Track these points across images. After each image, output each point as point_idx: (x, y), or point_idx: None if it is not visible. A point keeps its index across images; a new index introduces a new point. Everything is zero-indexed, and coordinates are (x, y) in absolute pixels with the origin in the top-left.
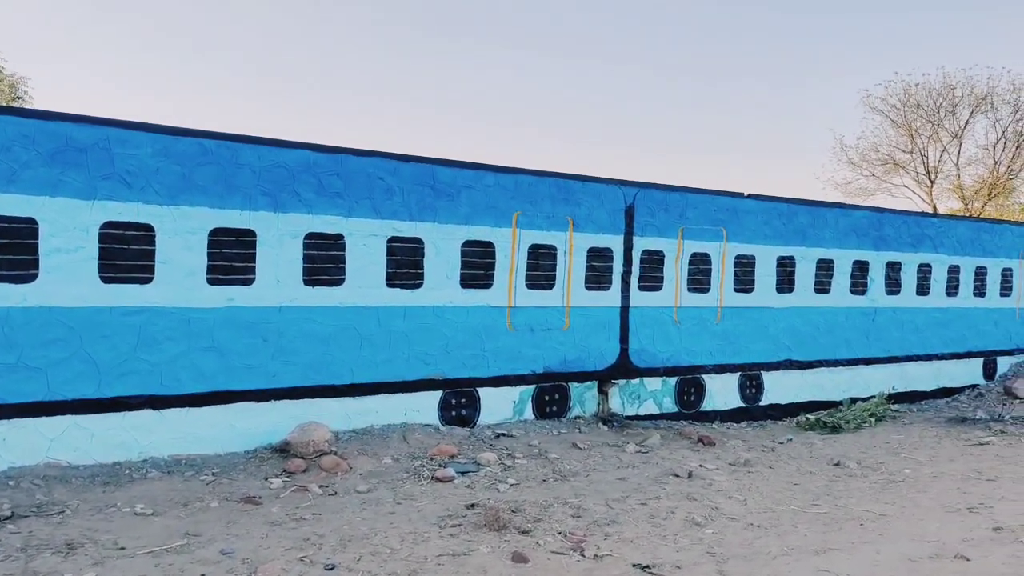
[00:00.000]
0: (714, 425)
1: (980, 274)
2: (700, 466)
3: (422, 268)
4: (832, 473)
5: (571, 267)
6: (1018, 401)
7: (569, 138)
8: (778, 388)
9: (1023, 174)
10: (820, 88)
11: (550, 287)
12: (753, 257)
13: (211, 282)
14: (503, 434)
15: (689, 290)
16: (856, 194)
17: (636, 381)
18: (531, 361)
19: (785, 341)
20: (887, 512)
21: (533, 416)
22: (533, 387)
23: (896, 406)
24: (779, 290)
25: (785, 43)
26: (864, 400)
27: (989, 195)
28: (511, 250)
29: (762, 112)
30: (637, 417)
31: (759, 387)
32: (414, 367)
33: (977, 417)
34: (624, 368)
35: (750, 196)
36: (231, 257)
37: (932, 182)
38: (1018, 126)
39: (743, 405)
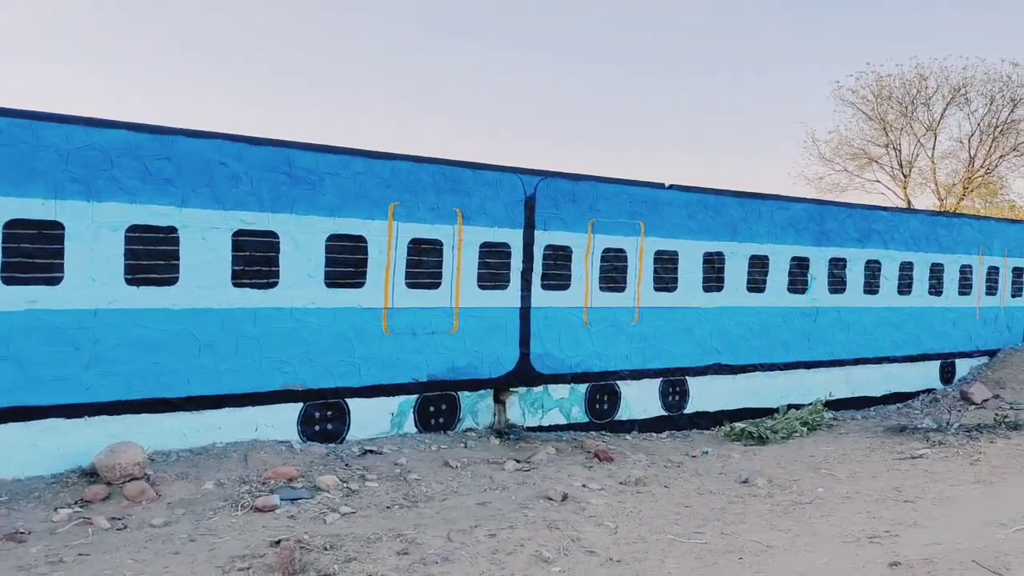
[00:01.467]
0: (629, 436)
1: (936, 271)
2: (583, 486)
3: (277, 265)
4: (734, 493)
5: (460, 264)
6: (974, 407)
7: (534, 135)
8: (705, 395)
9: (999, 169)
10: (791, 79)
11: (435, 286)
12: (676, 253)
13: (6, 281)
14: (371, 451)
15: (602, 289)
16: (828, 190)
17: (539, 389)
18: (413, 368)
19: (713, 344)
20: (775, 542)
21: (416, 429)
22: (415, 397)
23: (833, 414)
24: (706, 289)
25: (753, 31)
26: (805, 407)
27: (965, 190)
28: (387, 245)
29: (731, 105)
30: (540, 428)
31: (683, 394)
32: (268, 377)
33: (919, 426)
34: (525, 375)
35: (672, 187)
36: (32, 253)
37: (906, 177)
38: (994, 119)
39: (665, 413)
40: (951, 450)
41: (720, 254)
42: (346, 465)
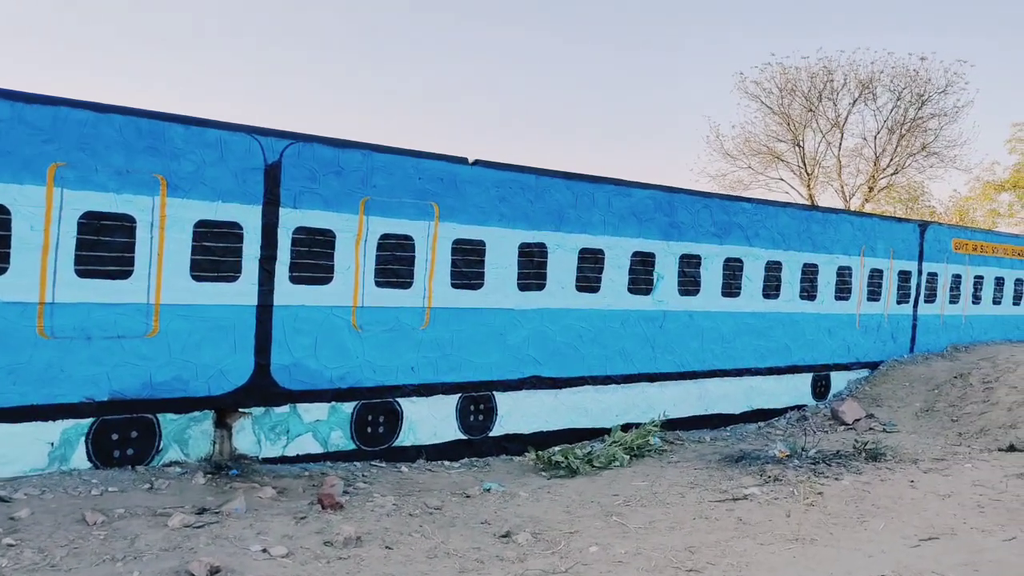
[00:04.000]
0: (406, 467)
1: (810, 273)
2: (264, 551)
3: None
4: (476, 556)
5: (163, 246)
6: (843, 427)
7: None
8: (519, 414)
9: (908, 170)
10: (697, 71)
11: (124, 275)
12: (482, 243)
13: None
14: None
15: (379, 284)
16: (731, 187)
17: (284, 409)
18: (85, 384)
19: (531, 353)
20: None
21: (91, 464)
22: (89, 422)
23: (663, 437)
24: (523, 287)
25: (656, 19)
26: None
27: (871, 191)
28: (44, 221)
29: (634, 96)
30: (285, 460)
31: (489, 413)
32: None
33: (762, 454)
34: (263, 391)
35: (478, 163)
36: None
37: (810, 175)
38: (901, 116)
39: (464, 437)
40: (786, 488)
41: (541, 246)
42: None
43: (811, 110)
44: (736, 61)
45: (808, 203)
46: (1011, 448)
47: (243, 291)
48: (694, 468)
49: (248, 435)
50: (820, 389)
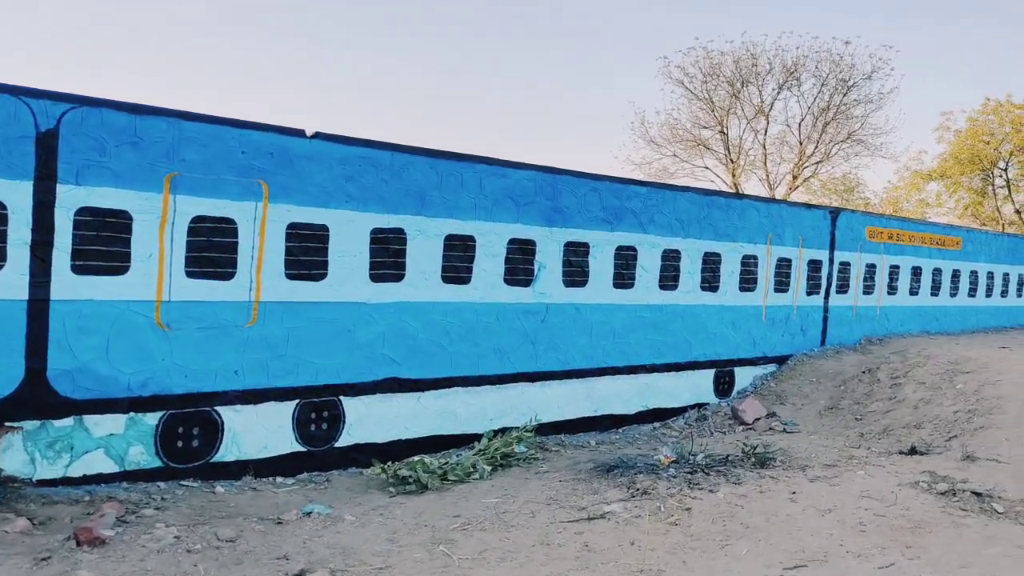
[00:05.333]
0: (234, 484)
1: (711, 262)
2: None
3: None
4: None
5: None
6: (743, 427)
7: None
8: (372, 420)
9: (835, 158)
10: (623, 54)
11: None
12: (324, 227)
13: None
14: None
15: (192, 275)
16: (656, 175)
17: (67, 422)
18: None
19: (387, 351)
20: None
21: None
22: None
23: (544, 441)
24: (377, 278)
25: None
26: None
27: (795, 179)
28: None
29: (557, 81)
30: (70, 481)
31: (335, 420)
32: None
33: (641, 462)
34: (37, 401)
35: (319, 135)
36: None
37: (733, 162)
38: (825, 103)
39: (303, 449)
40: (654, 503)
41: (399, 232)
42: None
43: (735, 96)
44: (662, 44)
45: (733, 191)
46: (912, 451)
47: (9, 283)
48: (560, 480)
49: (18, 453)
50: (723, 386)
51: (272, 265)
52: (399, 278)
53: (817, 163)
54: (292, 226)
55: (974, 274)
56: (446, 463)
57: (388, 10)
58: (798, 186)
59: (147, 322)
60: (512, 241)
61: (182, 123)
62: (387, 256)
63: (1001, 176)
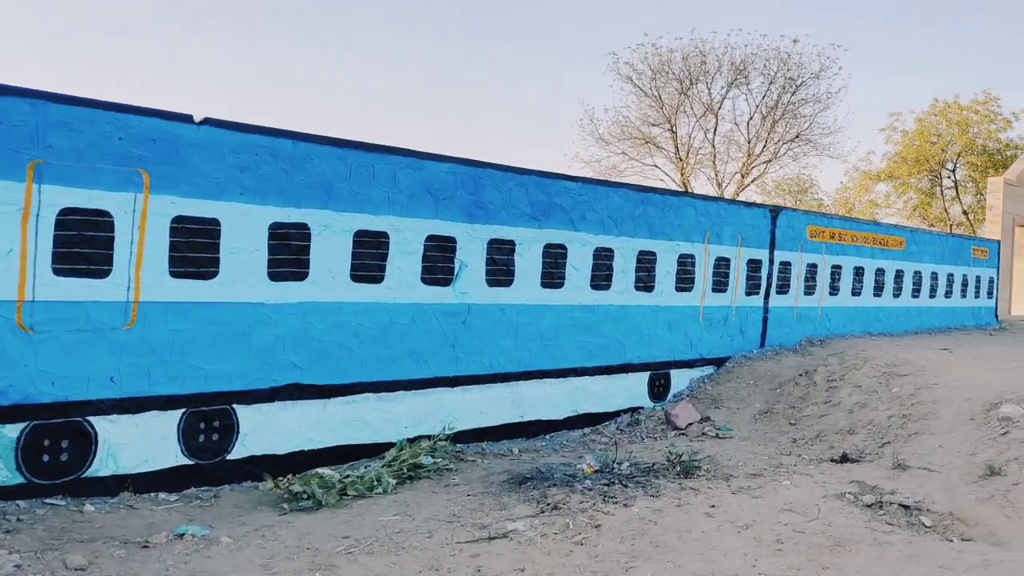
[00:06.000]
0: (108, 502)
1: (646, 261)
2: None
3: None
4: None
5: None
6: (676, 432)
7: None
8: (270, 430)
9: (783, 158)
10: (573, 50)
11: None
12: (216, 222)
13: None
14: None
15: (60, 272)
16: (606, 173)
17: None
18: None
19: (288, 355)
20: None
21: None
22: None
23: (462, 450)
24: (277, 276)
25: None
26: (435, 440)
27: (743, 178)
28: None
29: (509, 78)
30: None
31: (228, 430)
32: None
33: (559, 472)
34: None
35: (208, 121)
36: None
37: (683, 160)
38: (773, 101)
39: (190, 462)
40: (563, 519)
41: (302, 227)
42: None
43: (684, 93)
44: (613, 41)
45: (681, 190)
46: (843, 458)
47: None
48: (468, 494)
49: None
50: (659, 389)
51: (154, 262)
52: (302, 277)
53: (766, 163)
54: (178, 219)
55: (918, 274)
56: (348, 476)
57: (325, 6)
58: (747, 185)
59: (7, 324)
60: (430, 238)
61: (48, 105)
62: (288, 253)
63: (949, 177)
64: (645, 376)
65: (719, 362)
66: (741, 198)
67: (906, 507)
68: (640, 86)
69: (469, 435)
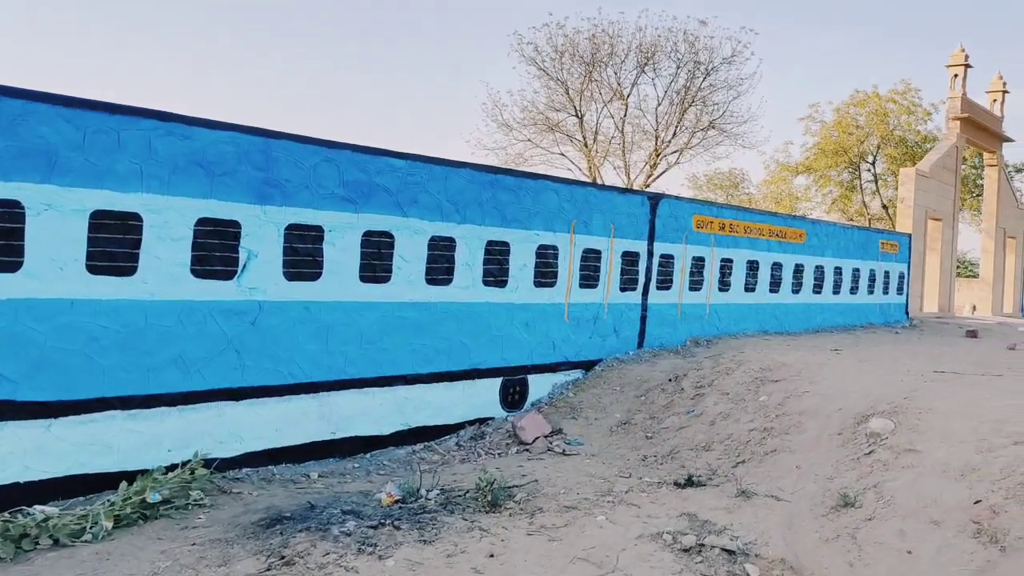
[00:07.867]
0: None
1: (497, 252)
2: None
3: None
4: None
5: None
6: (521, 447)
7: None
8: None
9: (699, 147)
10: (476, 29)
11: None
12: None
13: None
14: None
15: None
16: (511, 161)
17: None
18: None
19: None
20: None
21: None
22: None
23: (227, 478)
24: None
25: None
26: (218, 463)
27: (653, 168)
28: None
29: (411, 67)
30: None
31: None
32: None
33: (326, 511)
34: None
35: None
36: None
37: (588, 147)
38: (683, 87)
39: None
40: (310, 572)
41: (15, 204)
42: None
43: (590, 77)
44: (519, 20)
45: (589, 181)
46: (688, 482)
47: None
48: (197, 542)
49: None
50: (514, 397)
51: None
52: (14, 268)
53: (677, 152)
54: None
55: (819, 269)
56: (44, 521)
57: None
58: (658, 175)
59: None
60: (203, 221)
61: None
62: None
63: (869, 171)
64: (497, 383)
65: (589, 365)
66: (656, 188)
67: (730, 552)
68: (544, 68)
69: (260, 457)
